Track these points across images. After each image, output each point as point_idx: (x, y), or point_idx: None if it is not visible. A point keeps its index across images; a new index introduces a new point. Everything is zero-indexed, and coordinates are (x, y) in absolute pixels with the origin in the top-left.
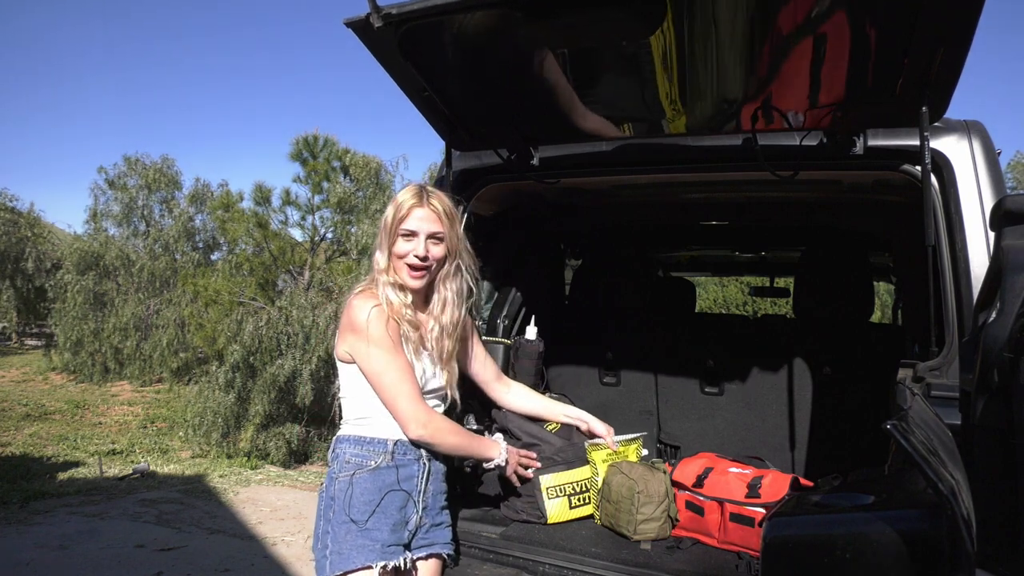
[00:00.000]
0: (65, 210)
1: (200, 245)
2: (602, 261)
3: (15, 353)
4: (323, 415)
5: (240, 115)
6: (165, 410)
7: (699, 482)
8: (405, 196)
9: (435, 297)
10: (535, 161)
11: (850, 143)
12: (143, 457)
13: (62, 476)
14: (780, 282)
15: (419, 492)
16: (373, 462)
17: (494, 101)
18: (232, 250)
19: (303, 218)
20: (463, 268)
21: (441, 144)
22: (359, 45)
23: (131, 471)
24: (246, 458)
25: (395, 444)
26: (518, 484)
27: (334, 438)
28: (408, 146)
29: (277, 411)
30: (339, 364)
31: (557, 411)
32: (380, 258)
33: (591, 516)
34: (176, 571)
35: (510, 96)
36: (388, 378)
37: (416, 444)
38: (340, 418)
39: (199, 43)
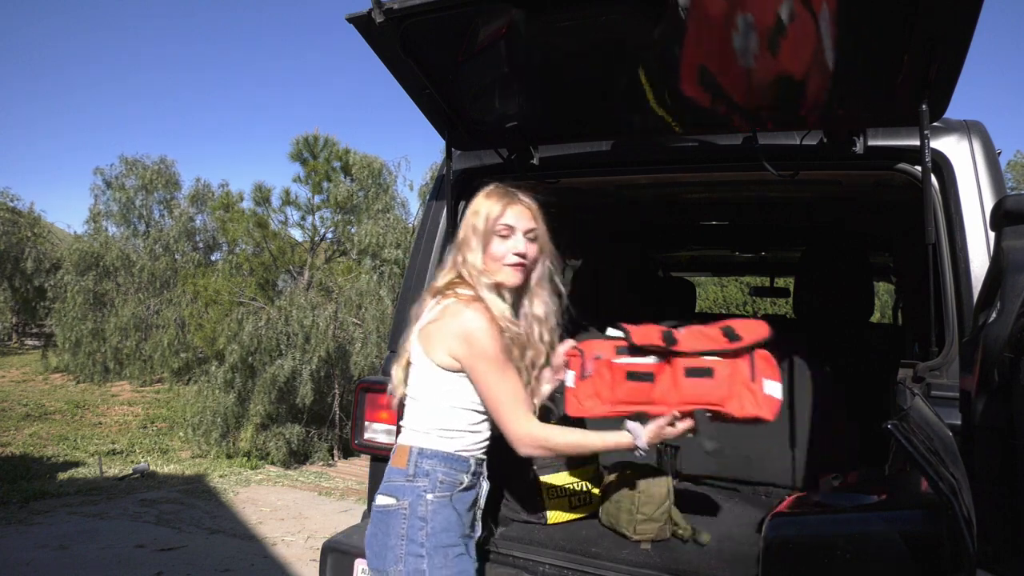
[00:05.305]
0: (65, 210)
1: (200, 245)
2: (602, 261)
3: (15, 353)
4: (323, 415)
5: (240, 115)
6: (165, 410)
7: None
8: (493, 197)
9: (532, 301)
10: (535, 161)
11: (850, 143)
12: (143, 457)
13: (62, 476)
14: (780, 282)
15: (481, 511)
16: (461, 481)
17: (495, 100)
18: (232, 250)
19: (303, 218)
20: (554, 269)
21: (440, 144)
22: (361, 42)
23: (131, 471)
24: (246, 458)
25: (476, 463)
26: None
27: (411, 449)
28: (409, 147)
29: (277, 411)
30: (434, 370)
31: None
32: (474, 259)
33: (591, 515)
34: (176, 571)
35: (511, 95)
36: (504, 394)
37: (482, 462)
38: (401, 423)
39: (200, 41)
